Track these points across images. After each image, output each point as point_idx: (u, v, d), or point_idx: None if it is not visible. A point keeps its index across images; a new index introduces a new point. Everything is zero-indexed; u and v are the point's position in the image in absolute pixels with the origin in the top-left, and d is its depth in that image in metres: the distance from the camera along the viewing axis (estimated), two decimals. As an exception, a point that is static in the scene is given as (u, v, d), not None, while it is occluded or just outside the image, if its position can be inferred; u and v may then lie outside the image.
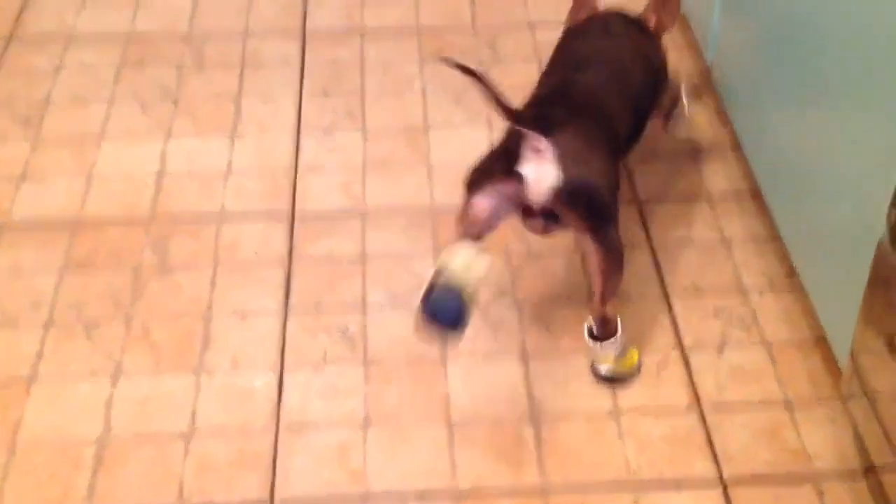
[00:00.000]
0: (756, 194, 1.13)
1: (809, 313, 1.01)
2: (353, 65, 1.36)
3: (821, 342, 1.00)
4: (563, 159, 0.86)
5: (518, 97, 1.25)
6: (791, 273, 1.05)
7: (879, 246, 0.79)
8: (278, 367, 1.00)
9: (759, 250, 1.11)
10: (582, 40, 1.05)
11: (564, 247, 1.11)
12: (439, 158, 1.22)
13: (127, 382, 0.98)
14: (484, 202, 0.90)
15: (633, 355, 0.99)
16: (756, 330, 1.03)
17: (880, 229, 0.79)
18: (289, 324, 1.04)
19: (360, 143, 1.25)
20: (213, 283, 1.07)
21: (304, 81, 1.33)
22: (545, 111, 0.92)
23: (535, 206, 0.88)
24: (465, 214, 0.91)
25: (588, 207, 0.89)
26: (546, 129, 0.86)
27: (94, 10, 1.43)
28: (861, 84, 0.83)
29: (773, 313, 1.04)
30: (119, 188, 1.18)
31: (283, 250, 1.11)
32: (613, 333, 0.96)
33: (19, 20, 1.41)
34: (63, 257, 1.09)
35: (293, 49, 1.38)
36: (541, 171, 0.86)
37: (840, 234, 0.89)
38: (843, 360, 0.89)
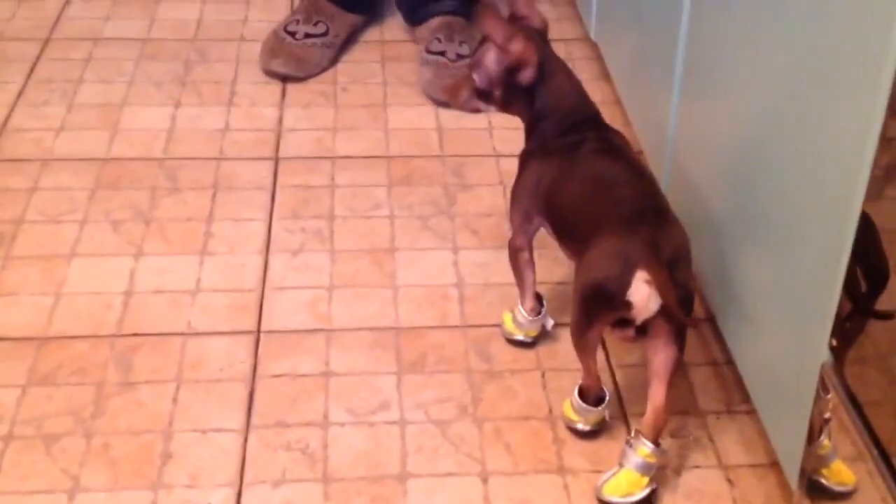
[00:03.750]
0: (711, 319, 1.17)
1: (764, 436, 1.03)
2: (323, 190, 1.40)
3: (775, 465, 1.01)
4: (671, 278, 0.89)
5: (485, 223, 1.30)
6: (746, 398, 1.07)
7: (822, 369, 0.82)
8: (237, 484, 0.99)
9: (715, 373, 1.13)
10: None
11: (525, 366, 1.13)
12: (405, 279, 1.25)
13: (84, 498, 0.97)
14: (597, 333, 0.95)
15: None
16: (712, 452, 1.04)
17: (823, 354, 0.82)
18: (249, 441, 1.04)
19: (328, 264, 1.28)
20: (175, 400, 1.08)
21: (275, 204, 1.37)
22: (645, 234, 0.91)
23: (634, 322, 0.92)
24: (584, 340, 0.96)
25: (684, 317, 0.91)
26: (656, 256, 0.88)
27: (71, 134, 1.48)
28: (798, 220, 0.88)
29: (730, 436, 1.06)
30: (86, 305, 1.19)
31: (248, 367, 1.12)
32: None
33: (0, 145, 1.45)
34: (27, 372, 1.10)
35: (265, 173, 1.43)
36: (651, 297, 0.89)
37: (786, 359, 0.92)
38: (794, 484, 0.90)
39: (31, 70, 1.61)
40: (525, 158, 1.07)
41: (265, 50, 1.63)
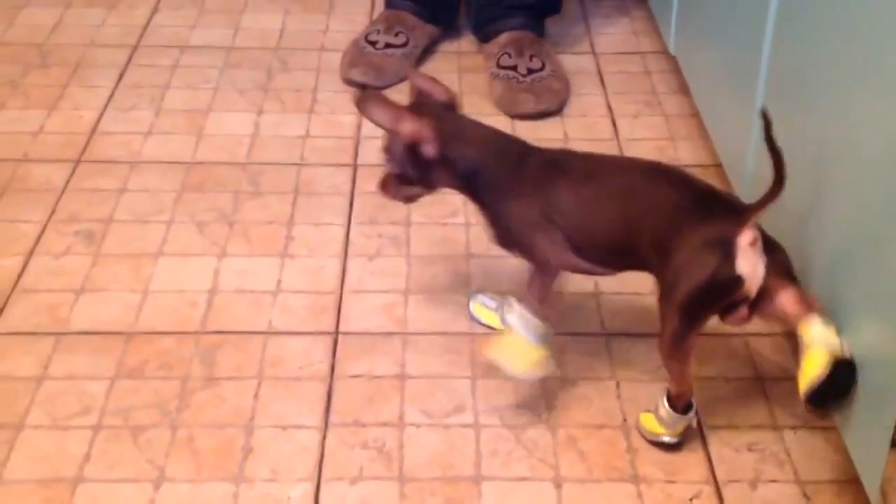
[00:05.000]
0: (791, 334, 1.16)
1: (842, 452, 1.02)
2: (401, 196, 1.43)
3: (854, 482, 1.00)
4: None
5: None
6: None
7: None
8: (315, 480, 1.02)
9: (793, 388, 1.13)
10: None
11: (599, 374, 1.14)
12: (479, 286, 1.27)
13: (168, 488, 1.00)
14: (697, 335, 0.97)
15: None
16: (790, 467, 1.04)
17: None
18: (327, 438, 1.06)
19: (404, 268, 1.30)
20: (256, 396, 1.11)
21: (354, 209, 1.40)
22: (717, 212, 0.93)
23: (748, 298, 0.92)
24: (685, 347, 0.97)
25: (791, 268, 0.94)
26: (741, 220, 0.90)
27: (159, 138, 1.53)
28: (888, 227, 0.87)
29: (807, 451, 1.05)
30: (172, 302, 1.23)
31: (326, 367, 1.15)
32: None
33: (88, 146, 1.50)
34: (115, 365, 1.14)
35: (344, 179, 1.46)
36: (756, 263, 0.91)
37: (869, 373, 0.91)
38: (875, 500, 0.89)
39: (121, 76, 1.66)
40: (499, 199, 1.03)
41: (346, 59, 1.67)
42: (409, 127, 1.01)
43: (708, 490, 1.01)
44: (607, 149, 1.52)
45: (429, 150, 1.02)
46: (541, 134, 1.54)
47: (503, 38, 1.65)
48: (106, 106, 1.59)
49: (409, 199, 1.11)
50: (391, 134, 1.03)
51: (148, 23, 1.82)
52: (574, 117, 1.59)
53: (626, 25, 1.85)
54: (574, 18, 1.84)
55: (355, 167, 1.49)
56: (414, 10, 1.70)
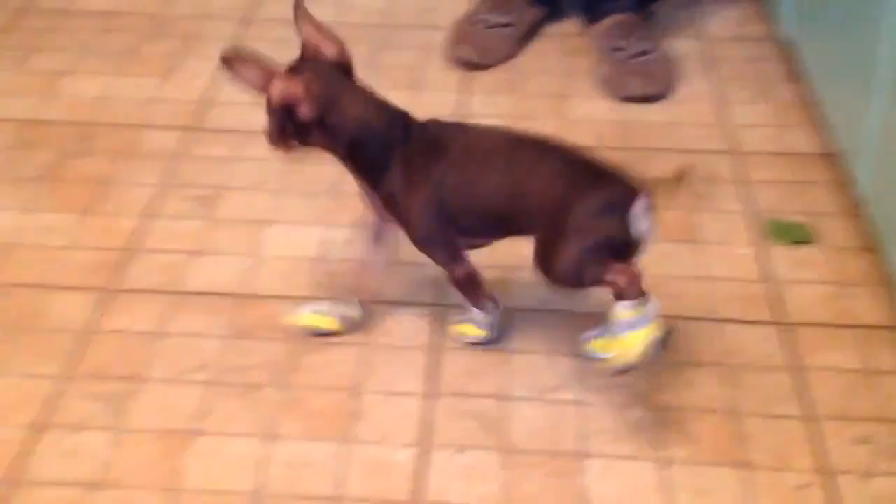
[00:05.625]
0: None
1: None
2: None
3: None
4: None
5: (670, 217, 1.28)
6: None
7: None
8: (421, 446, 1.04)
9: (904, 381, 1.11)
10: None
11: (708, 358, 1.13)
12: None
13: (280, 444, 1.03)
14: None
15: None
16: (901, 460, 1.02)
17: None
18: (433, 406, 1.08)
19: (507, 245, 1.30)
20: (364, 362, 1.13)
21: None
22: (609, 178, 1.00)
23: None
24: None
25: None
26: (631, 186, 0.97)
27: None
28: None
29: (919, 444, 1.03)
30: (283, 267, 1.26)
31: (432, 338, 1.16)
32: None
33: (201, 115, 1.54)
34: (228, 325, 1.17)
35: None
36: (648, 224, 0.97)
37: None
38: None
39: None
40: (398, 199, 1.03)
41: (452, 37, 1.68)
42: (281, 88, 0.97)
43: (818, 480, 1.00)
44: (712, 135, 1.50)
45: (305, 111, 0.98)
46: (646, 117, 1.54)
47: (611, 20, 1.65)
48: (216, 77, 1.62)
49: (288, 150, 1.05)
50: (271, 88, 0.98)
51: (258, -3, 1.86)
52: (679, 102, 1.58)
53: (735, 11, 1.82)
54: (682, 2, 1.82)
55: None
56: (522, -10, 1.70)
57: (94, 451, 1.02)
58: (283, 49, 1.68)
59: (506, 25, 1.68)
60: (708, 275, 1.25)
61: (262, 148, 1.47)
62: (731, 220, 1.34)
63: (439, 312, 1.19)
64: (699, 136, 1.51)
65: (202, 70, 1.63)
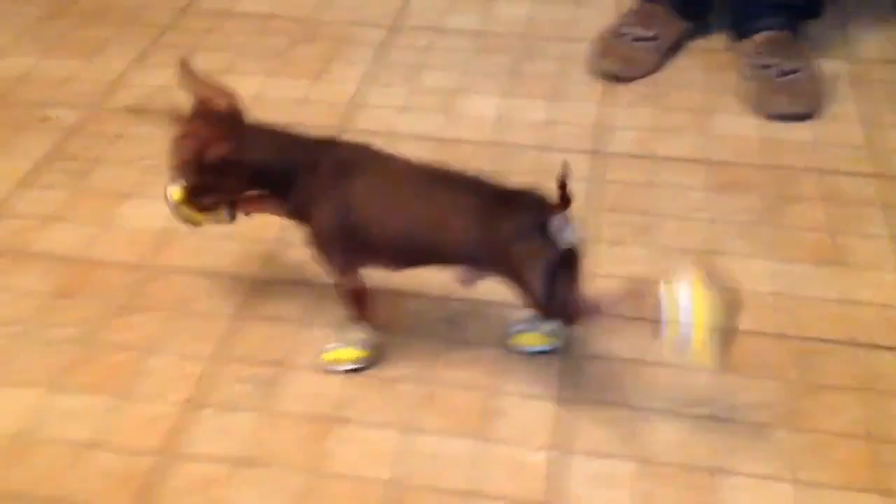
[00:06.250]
0: None
1: None
2: (643, 186, 1.44)
3: None
4: None
5: (809, 237, 1.25)
6: None
7: None
8: (555, 449, 1.05)
9: None
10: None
11: (850, 383, 1.11)
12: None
13: (418, 437, 1.06)
14: None
15: None
16: None
17: None
18: (565, 412, 1.09)
19: (648, 258, 1.31)
20: (499, 364, 1.15)
21: (593, 196, 1.42)
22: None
23: None
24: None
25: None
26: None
27: (413, 114, 1.60)
28: None
29: None
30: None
31: (568, 343, 1.18)
32: None
33: (348, 117, 1.59)
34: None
35: (586, 166, 1.48)
36: (574, 234, 0.99)
37: None
38: None
39: (380, 53, 1.76)
40: (306, 209, 1.04)
41: (595, 49, 1.69)
42: (192, 135, 1.01)
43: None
44: (860, 157, 1.47)
45: (218, 150, 1.01)
46: (791, 136, 1.52)
47: (760, 36, 1.63)
48: (366, 81, 1.68)
49: (210, 210, 1.08)
50: (176, 143, 1.02)
51: (405, 5, 1.90)
52: (827, 122, 1.55)
53: (888, 33, 1.77)
54: (833, 23, 1.79)
55: (596, 154, 1.51)
56: (668, 4, 1.70)
57: (244, 430, 1.07)
58: (424, 55, 1.75)
59: (650, 39, 1.68)
60: (852, 299, 1.23)
61: (404, 150, 1.52)
62: (877, 244, 1.31)
63: (576, 320, 1.21)
64: (846, 157, 1.48)
65: (351, 74, 1.69)
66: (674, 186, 1.44)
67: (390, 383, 1.12)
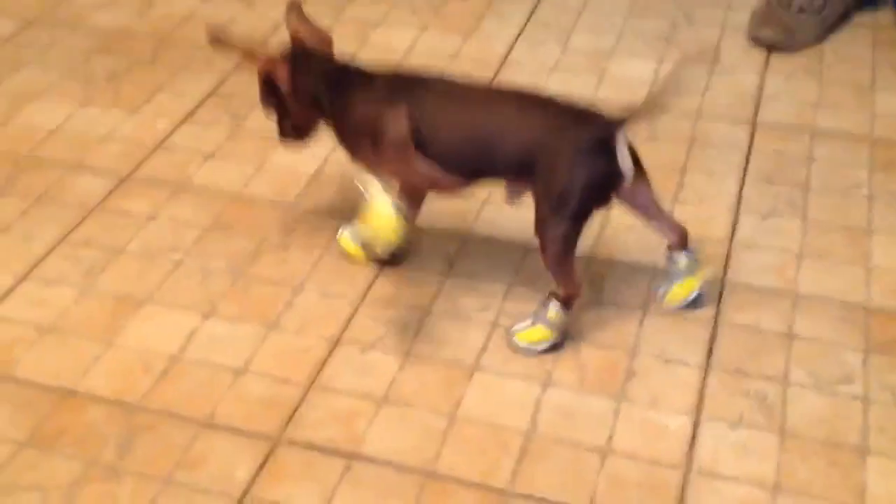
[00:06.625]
0: None
1: None
2: (801, 160, 1.39)
3: None
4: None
5: None
6: None
7: None
8: (694, 415, 1.04)
9: None
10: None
11: None
12: (879, 262, 1.21)
13: (554, 391, 1.06)
14: None
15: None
16: None
17: None
18: (708, 379, 1.08)
19: (799, 232, 1.27)
20: (641, 324, 1.14)
21: (749, 166, 1.39)
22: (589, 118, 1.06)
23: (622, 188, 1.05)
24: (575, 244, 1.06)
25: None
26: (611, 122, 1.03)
27: (563, 75, 1.59)
28: None
29: None
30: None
31: (710, 312, 1.16)
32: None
33: (499, 73, 1.59)
34: (515, 271, 1.21)
35: (741, 135, 1.44)
36: (629, 162, 1.03)
37: None
38: None
39: (533, 12, 1.75)
40: (348, 105, 1.10)
41: (756, 17, 1.64)
42: (263, 64, 1.12)
43: None
44: None
45: (280, 82, 1.11)
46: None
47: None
48: (517, 39, 1.67)
49: (299, 135, 1.16)
50: (257, 76, 1.13)
51: (561, -35, 1.89)
52: None
53: None
54: None
55: (754, 125, 1.47)
56: (838, -26, 1.63)
57: (385, 370, 1.09)
58: (576, 16, 1.72)
59: (817, 11, 1.61)
60: None
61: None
62: None
63: (718, 288, 1.19)
64: None
65: (503, 31, 1.69)
66: (831, 161, 1.39)
67: (530, 336, 1.13)
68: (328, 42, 1.14)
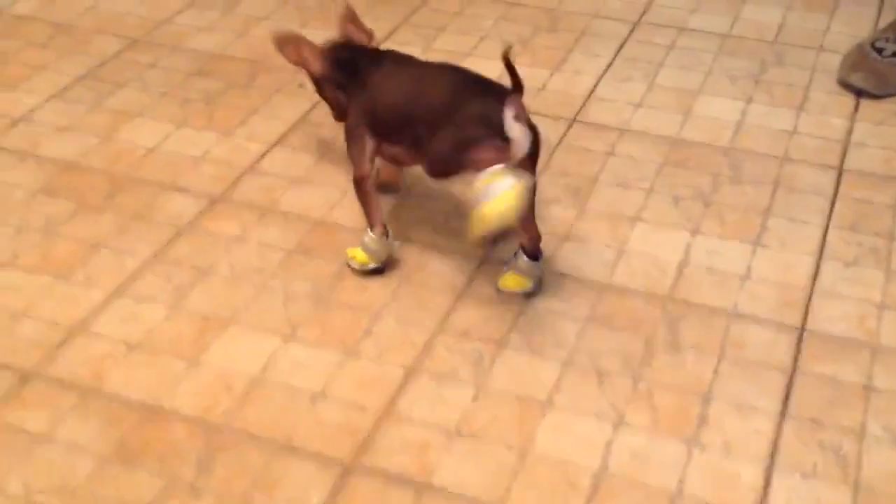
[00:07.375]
0: None
1: None
2: (887, 209, 1.37)
3: None
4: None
5: None
6: None
7: None
8: (767, 464, 1.03)
9: None
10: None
11: None
12: (966, 317, 1.19)
13: (626, 432, 1.07)
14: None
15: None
16: None
17: None
18: (783, 428, 1.07)
19: (881, 282, 1.25)
20: (715, 371, 1.14)
21: (833, 213, 1.37)
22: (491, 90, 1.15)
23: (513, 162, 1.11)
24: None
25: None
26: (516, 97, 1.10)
27: (648, 111, 1.60)
28: None
29: None
30: (643, 265, 1.29)
31: (788, 360, 1.15)
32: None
33: (582, 110, 1.60)
34: (588, 311, 1.22)
35: (827, 181, 1.43)
36: (524, 133, 1.10)
37: None
38: None
39: (620, 48, 1.76)
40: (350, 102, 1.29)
41: (847, 62, 1.62)
42: (292, 57, 1.31)
43: None
44: None
45: (312, 68, 1.31)
46: None
47: None
48: (603, 75, 1.69)
49: (341, 118, 1.33)
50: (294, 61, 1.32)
51: (651, 3, 1.89)
52: None
53: None
54: None
55: (840, 171, 1.45)
56: (934, 19, 1.61)
57: (459, 402, 1.11)
58: (665, 53, 1.73)
59: (909, 55, 1.59)
60: None
61: (636, 146, 1.53)
62: None
63: (797, 335, 1.18)
64: None
65: (590, 66, 1.70)
66: (919, 211, 1.37)
67: (601, 375, 1.14)
68: (370, 36, 1.33)
